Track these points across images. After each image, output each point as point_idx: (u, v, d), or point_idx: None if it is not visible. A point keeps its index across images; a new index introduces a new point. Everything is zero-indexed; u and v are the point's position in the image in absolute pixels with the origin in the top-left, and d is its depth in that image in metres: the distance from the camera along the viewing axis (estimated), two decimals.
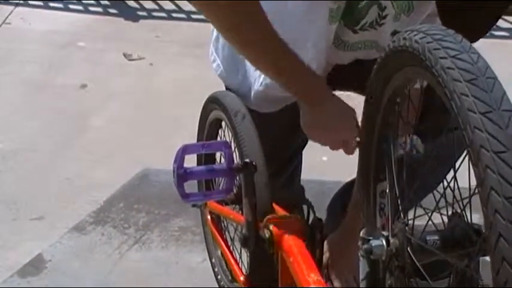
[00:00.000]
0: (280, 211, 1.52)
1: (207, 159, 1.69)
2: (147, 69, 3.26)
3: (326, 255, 1.53)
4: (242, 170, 1.38)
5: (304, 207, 1.47)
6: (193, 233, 2.24)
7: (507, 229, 0.78)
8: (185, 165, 1.38)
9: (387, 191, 1.09)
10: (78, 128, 2.85)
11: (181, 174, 1.34)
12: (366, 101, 1.14)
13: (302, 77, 1.36)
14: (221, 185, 1.52)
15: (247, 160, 1.38)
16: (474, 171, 0.82)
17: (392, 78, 1.05)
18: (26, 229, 2.32)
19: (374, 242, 1.01)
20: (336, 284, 1.55)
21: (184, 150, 1.34)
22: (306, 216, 1.48)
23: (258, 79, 1.52)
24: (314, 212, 1.44)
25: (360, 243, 1.03)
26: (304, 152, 1.77)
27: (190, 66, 3.21)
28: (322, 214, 2.01)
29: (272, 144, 1.65)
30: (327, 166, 2.46)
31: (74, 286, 2.07)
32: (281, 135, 1.66)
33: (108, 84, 3.14)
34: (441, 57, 0.89)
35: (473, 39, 1.08)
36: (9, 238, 2.29)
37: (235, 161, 1.41)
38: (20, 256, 2.20)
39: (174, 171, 1.33)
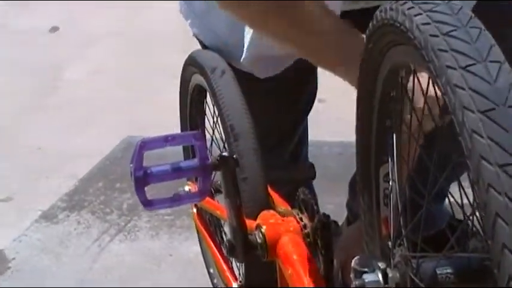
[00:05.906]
0: (278, 202, 1.48)
1: None
2: (133, 4, 3.22)
3: (340, 253, 1.49)
4: (219, 167, 1.32)
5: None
6: (189, 216, 2.21)
7: None
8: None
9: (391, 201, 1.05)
10: (50, 84, 2.84)
11: (140, 177, 1.29)
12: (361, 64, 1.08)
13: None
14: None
15: (225, 154, 1.32)
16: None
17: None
18: None
19: (368, 277, 0.98)
20: None
21: (142, 146, 1.29)
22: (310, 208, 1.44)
23: (248, 34, 1.49)
24: (318, 208, 1.39)
25: (352, 275, 1.00)
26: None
27: None
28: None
29: (269, 117, 1.62)
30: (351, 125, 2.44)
31: None
32: (280, 107, 1.64)
33: (85, 26, 3.11)
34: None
35: None
36: None
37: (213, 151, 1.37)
38: None
39: (131, 173, 1.29)
